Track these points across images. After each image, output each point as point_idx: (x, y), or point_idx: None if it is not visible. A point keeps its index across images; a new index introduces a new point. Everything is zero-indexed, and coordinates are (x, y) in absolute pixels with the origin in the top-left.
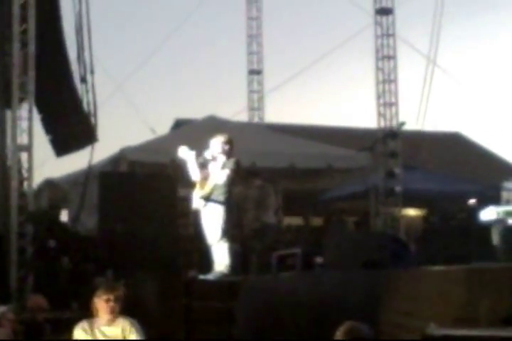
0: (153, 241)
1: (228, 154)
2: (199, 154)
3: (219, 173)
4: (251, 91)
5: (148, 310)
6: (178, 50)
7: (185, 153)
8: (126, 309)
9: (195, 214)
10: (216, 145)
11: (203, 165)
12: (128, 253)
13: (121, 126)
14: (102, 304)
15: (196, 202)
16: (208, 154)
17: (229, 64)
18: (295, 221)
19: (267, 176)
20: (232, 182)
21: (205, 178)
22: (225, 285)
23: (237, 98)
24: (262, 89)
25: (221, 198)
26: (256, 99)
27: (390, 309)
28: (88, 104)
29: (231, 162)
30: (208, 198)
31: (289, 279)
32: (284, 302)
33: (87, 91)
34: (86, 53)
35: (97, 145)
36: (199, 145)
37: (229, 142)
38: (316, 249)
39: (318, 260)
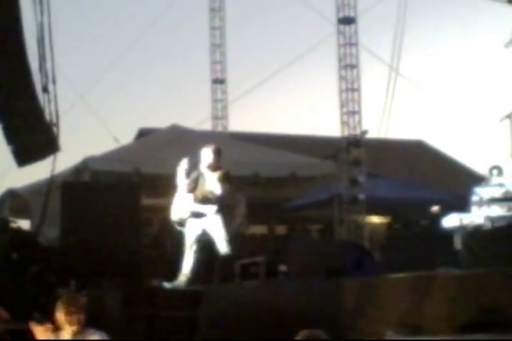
0: (116, 250)
1: (217, 165)
2: (193, 167)
3: (218, 185)
4: (214, 101)
5: (111, 319)
6: (141, 59)
7: (184, 166)
8: (90, 319)
9: (165, 223)
10: (207, 153)
11: (196, 179)
12: (91, 262)
13: (85, 136)
14: (63, 315)
15: (179, 212)
16: (202, 167)
17: (192, 73)
18: (259, 229)
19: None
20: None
21: (191, 190)
22: (188, 294)
23: (201, 107)
24: (226, 98)
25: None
26: (220, 108)
27: (352, 315)
28: (50, 113)
29: (221, 174)
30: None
31: (253, 288)
32: (248, 310)
33: (49, 101)
34: (48, 63)
35: (60, 155)
36: (162, 155)
37: (218, 152)
38: (279, 258)
39: (282, 268)
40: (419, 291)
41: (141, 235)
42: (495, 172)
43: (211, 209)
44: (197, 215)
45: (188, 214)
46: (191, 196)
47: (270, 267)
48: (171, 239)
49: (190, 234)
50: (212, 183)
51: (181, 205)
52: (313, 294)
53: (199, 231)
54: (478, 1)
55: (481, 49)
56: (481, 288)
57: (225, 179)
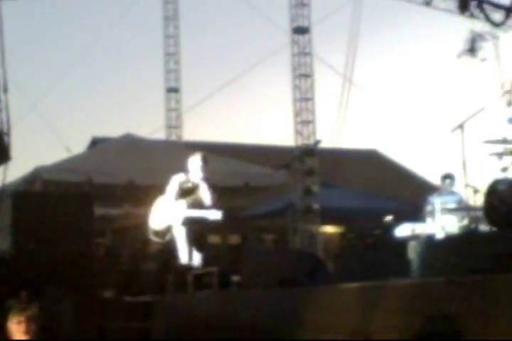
0: (68, 260)
1: (204, 173)
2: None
3: (209, 196)
4: (169, 110)
5: (63, 329)
6: (95, 68)
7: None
8: (42, 329)
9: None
10: (195, 161)
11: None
12: (42, 273)
13: (37, 145)
14: (15, 326)
15: (166, 220)
16: (193, 177)
17: (147, 82)
18: (213, 239)
19: None
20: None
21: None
22: (140, 304)
23: (155, 116)
24: (180, 107)
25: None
26: (174, 117)
27: (305, 325)
28: (1, 122)
29: (211, 185)
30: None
31: (206, 298)
32: (201, 321)
33: (0, 110)
34: None
35: (11, 165)
36: (115, 164)
37: (204, 160)
38: (233, 268)
39: (235, 278)
40: (371, 301)
41: (93, 245)
42: (447, 181)
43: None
44: (189, 222)
45: (181, 220)
46: (183, 203)
47: (223, 277)
48: (126, 249)
49: (182, 240)
50: (204, 193)
51: (169, 214)
52: (267, 304)
53: (190, 236)
54: (432, 11)
55: (434, 59)
56: (433, 297)
57: (214, 189)
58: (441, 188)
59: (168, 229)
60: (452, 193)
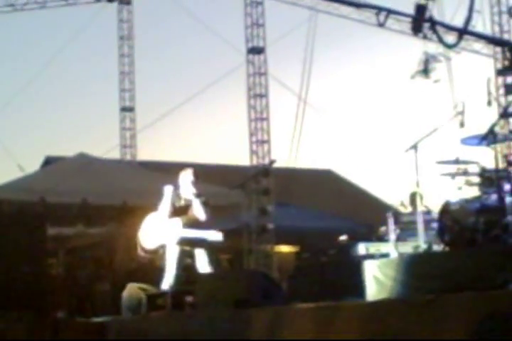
0: (21, 281)
1: (196, 188)
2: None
3: (202, 211)
4: (123, 129)
5: None
6: (50, 86)
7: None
8: None
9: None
10: (187, 176)
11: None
12: None
13: None
14: None
15: (160, 239)
16: (185, 193)
17: (101, 101)
18: None
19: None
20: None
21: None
22: (94, 326)
23: (109, 136)
24: (135, 126)
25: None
26: (128, 137)
27: None
28: None
29: (204, 200)
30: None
31: (160, 319)
32: None
33: None
34: None
35: None
36: (69, 184)
37: (196, 175)
38: (187, 288)
39: (189, 299)
40: (326, 321)
41: (46, 266)
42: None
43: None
44: (183, 242)
45: (175, 240)
46: (178, 221)
47: (177, 298)
48: (81, 270)
49: (174, 260)
50: (197, 210)
51: (162, 232)
52: (221, 325)
53: (181, 256)
54: (386, 32)
55: (388, 79)
56: (387, 317)
57: (207, 205)
58: (403, 207)
59: (160, 248)
60: (413, 213)
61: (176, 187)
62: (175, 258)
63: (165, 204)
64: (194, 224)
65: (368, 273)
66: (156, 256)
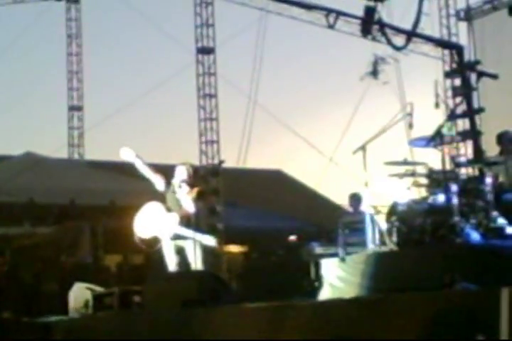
0: None
1: (192, 182)
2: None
3: (190, 204)
4: (71, 128)
5: None
6: None
7: (127, 155)
8: None
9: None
10: (183, 172)
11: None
12: None
13: None
14: None
15: (155, 231)
16: (176, 181)
17: (49, 100)
18: (116, 258)
19: (85, 214)
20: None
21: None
22: (40, 326)
23: (57, 134)
24: (83, 125)
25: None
26: (76, 136)
27: None
28: None
29: (194, 193)
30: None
31: (107, 319)
32: None
33: None
34: None
35: None
36: (15, 183)
37: (193, 169)
38: (134, 288)
39: (136, 299)
40: (274, 321)
41: None
42: (354, 199)
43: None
44: (177, 238)
45: (170, 235)
46: (175, 216)
47: (125, 298)
48: (28, 269)
49: (170, 255)
50: (186, 202)
51: (158, 225)
52: (169, 325)
53: (177, 251)
54: (335, 34)
55: (338, 81)
56: (337, 317)
57: (200, 196)
58: (350, 207)
59: (156, 240)
60: (361, 213)
61: (169, 184)
62: (169, 253)
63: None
64: (187, 221)
65: (323, 272)
66: (152, 250)
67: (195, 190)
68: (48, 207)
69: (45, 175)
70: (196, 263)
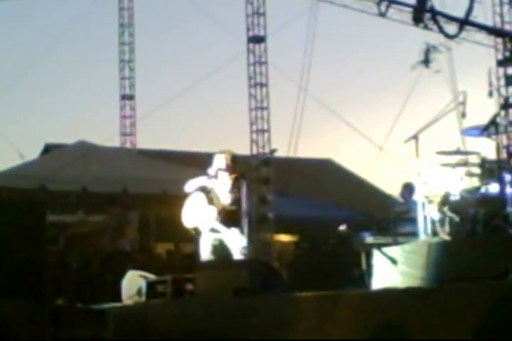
0: (20, 269)
1: (232, 171)
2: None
3: (226, 194)
4: (123, 117)
5: (15, 339)
6: (50, 74)
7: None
8: None
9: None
10: (220, 161)
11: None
12: None
13: None
14: None
15: (196, 221)
16: (211, 171)
17: (101, 89)
18: (167, 247)
19: (137, 203)
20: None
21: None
22: (94, 312)
23: (109, 123)
24: (135, 114)
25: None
26: (128, 125)
27: (259, 335)
28: None
29: (233, 179)
30: (225, 223)
31: (160, 306)
32: (154, 329)
33: None
34: None
35: None
36: (69, 171)
37: (233, 158)
38: (187, 276)
39: (189, 287)
40: (325, 310)
41: (45, 253)
42: (407, 189)
43: (230, 227)
44: (215, 231)
45: (208, 229)
46: (213, 210)
47: (177, 285)
48: (77, 257)
49: (206, 247)
50: (222, 193)
51: (199, 217)
52: (221, 313)
53: (215, 243)
54: (386, 22)
55: (389, 69)
56: (388, 306)
57: (238, 180)
58: (402, 197)
59: (198, 231)
60: (412, 203)
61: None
62: (206, 245)
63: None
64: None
65: (374, 262)
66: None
67: (233, 175)
68: (101, 195)
69: (98, 163)
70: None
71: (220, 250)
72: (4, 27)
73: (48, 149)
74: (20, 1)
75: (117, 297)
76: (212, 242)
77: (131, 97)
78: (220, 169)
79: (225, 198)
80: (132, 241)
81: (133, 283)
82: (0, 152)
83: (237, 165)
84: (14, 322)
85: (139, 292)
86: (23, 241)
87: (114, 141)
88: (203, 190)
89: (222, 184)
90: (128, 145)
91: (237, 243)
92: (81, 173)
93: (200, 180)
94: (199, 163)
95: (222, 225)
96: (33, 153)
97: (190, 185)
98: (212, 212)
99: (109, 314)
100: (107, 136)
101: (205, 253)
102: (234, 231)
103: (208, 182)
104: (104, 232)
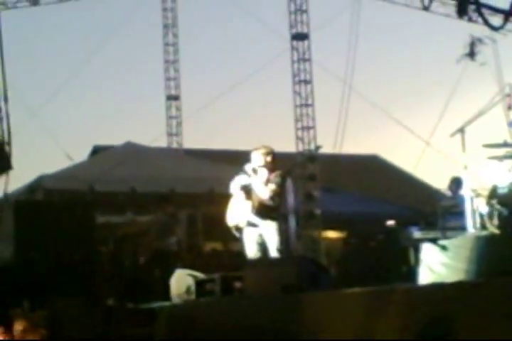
0: (71, 269)
1: (271, 167)
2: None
3: (263, 189)
4: (169, 117)
5: (67, 338)
6: (95, 76)
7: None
8: (45, 338)
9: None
10: (257, 158)
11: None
12: (45, 282)
13: (38, 154)
14: (18, 334)
15: (236, 219)
16: (248, 167)
17: (147, 90)
18: (215, 245)
19: (185, 202)
20: (278, 196)
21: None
22: (144, 311)
23: (156, 124)
24: (181, 114)
25: (272, 215)
26: (174, 125)
27: (309, 331)
28: (2, 132)
29: (276, 176)
30: (260, 215)
31: (209, 304)
32: (204, 327)
33: (0, 120)
34: None
35: (14, 174)
36: (117, 172)
37: (271, 154)
38: (235, 274)
39: (238, 285)
40: (374, 306)
41: (96, 253)
42: (455, 183)
43: (265, 219)
44: (253, 225)
45: (245, 223)
46: (249, 204)
47: (226, 284)
48: (128, 257)
49: (249, 242)
50: (259, 189)
51: (238, 213)
52: (270, 310)
53: (257, 239)
54: (430, 15)
55: (433, 63)
56: (438, 301)
57: (284, 178)
58: (451, 191)
59: (238, 228)
60: (460, 197)
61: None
62: (248, 241)
63: (236, 189)
64: (261, 207)
65: (422, 257)
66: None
67: (277, 173)
68: (149, 195)
69: (146, 164)
70: (273, 249)
71: (265, 247)
72: (50, 31)
73: (96, 151)
74: (66, 4)
75: (166, 296)
76: (256, 240)
77: (176, 98)
78: (259, 166)
79: (263, 193)
80: (180, 241)
81: (182, 281)
82: (49, 154)
83: (276, 160)
84: (67, 321)
85: (187, 290)
86: (73, 243)
87: (160, 142)
88: (243, 188)
89: (260, 179)
90: (174, 145)
91: (273, 236)
92: (129, 174)
93: (240, 179)
94: (245, 161)
95: (257, 218)
96: (81, 155)
97: (233, 186)
98: (249, 206)
99: (159, 313)
100: (153, 136)
101: (250, 250)
102: (270, 224)
103: (247, 180)
104: (152, 232)
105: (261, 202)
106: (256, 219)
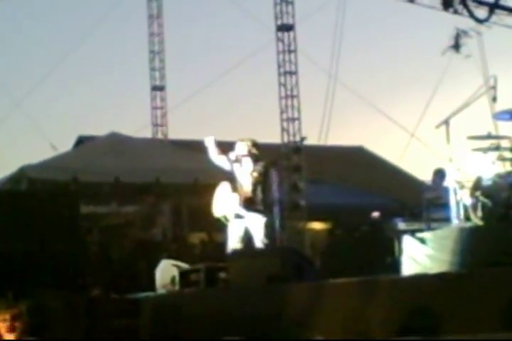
0: (55, 259)
1: (255, 157)
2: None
3: (246, 178)
4: (154, 108)
5: (51, 329)
6: (80, 66)
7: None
8: (28, 328)
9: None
10: (241, 147)
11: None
12: (29, 273)
13: (22, 144)
14: (0, 324)
15: (223, 210)
16: (231, 155)
17: (132, 80)
18: (201, 236)
19: (170, 193)
20: (262, 186)
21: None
22: (128, 302)
23: (141, 114)
24: (166, 105)
25: (258, 207)
26: (159, 116)
27: (293, 322)
28: None
29: (260, 165)
30: (246, 207)
31: (193, 295)
32: (189, 318)
33: None
34: None
35: None
36: (101, 163)
37: (255, 145)
38: (220, 265)
39: (222, 275)
40: (358, 296)
41: (80, 244)
42: (438, 175)
43: (251, 211)
44: (239, 217)
45: (232, 214)
46: (236, 196)
47: (210, 274)
48: (115, 247)
49: (233, 234)
50: (243, 178)
51: (225, 204)
52: (254, 301)
53: (242, 230)
54: (416, 7)
55: (418, 55)
56: (421, 292)
57: (269, 168)
58: (434, 183)
59: (227, 218)
60: (444, 188)
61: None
62: (233, 232)
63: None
64: (247, 199)
65: (406, 248)
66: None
67: (261, 163)
68: (134, 186)
69: (130, 154)
70: (258, 241)
71: (247, 238)
72: (34, 20)
73: (80, 141)
74: None
75: (151, 286)
76: (241, 231)
77: (161, 88)
78: (242, 155)
79: (247, 183)
80: (164, 231)
81: (166, 272)
82: (33, 144)
83: (260, 152)
84: (51, 311)
85: (172, 281)
86: (57, 233)
87: (145, 132)
88: (229, 179)
89: (244, 170)
90: (159, 135)
91: (258, 228)
92: (113, 164)
93: (222, 163)
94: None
95: (243, 210)
96: (65, 145)
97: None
98: (236, 198)
99: (144, 303)
100: (138, 127)
101: (233, 241)
102: (255, 217)
103: (229, 165)
104: (136, 222)
105: (246, 194)
106: (242, 211)
